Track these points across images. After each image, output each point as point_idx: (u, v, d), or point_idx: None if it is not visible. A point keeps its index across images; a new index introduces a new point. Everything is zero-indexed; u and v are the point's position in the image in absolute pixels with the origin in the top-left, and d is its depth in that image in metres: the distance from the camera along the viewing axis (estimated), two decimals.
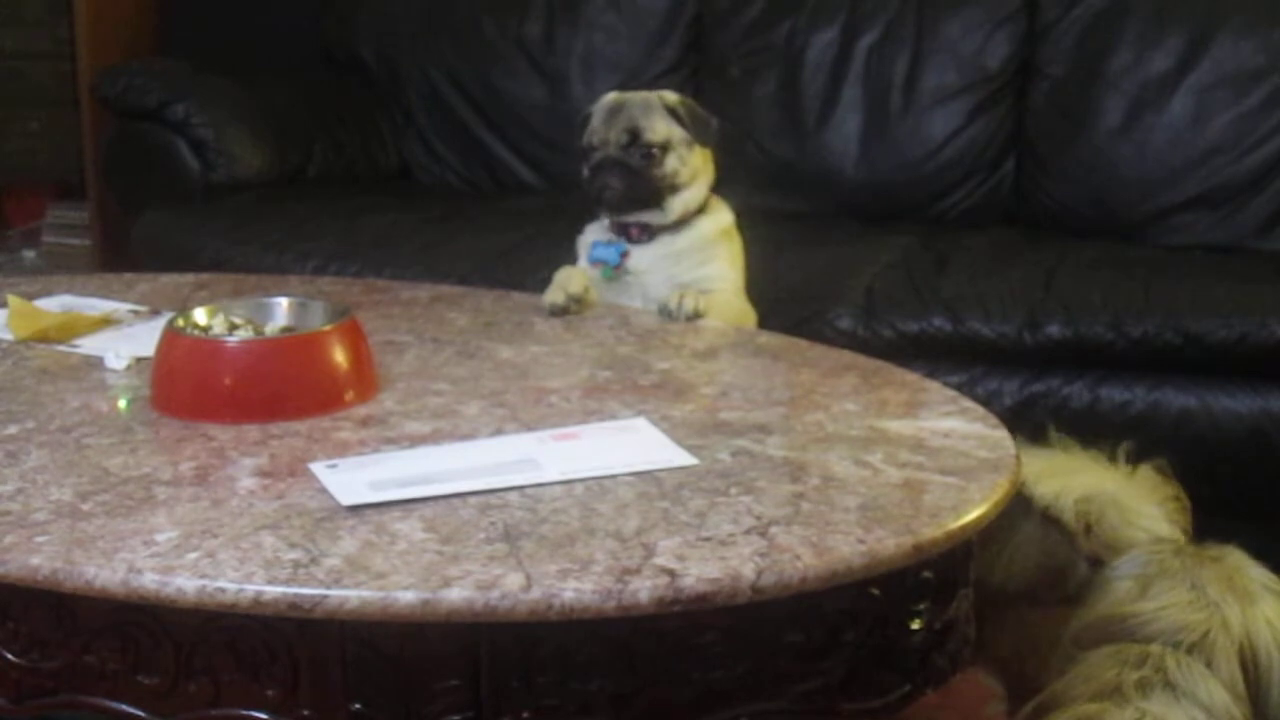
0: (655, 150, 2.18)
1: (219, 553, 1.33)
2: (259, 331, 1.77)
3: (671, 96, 2.24)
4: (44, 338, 2.00)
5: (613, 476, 1.50)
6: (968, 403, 1.75)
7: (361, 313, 1.85)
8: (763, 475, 1.51)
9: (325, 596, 1.26)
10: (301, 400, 1.69)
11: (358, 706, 1.32)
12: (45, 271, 3.75)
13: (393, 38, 3.72)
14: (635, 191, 2.19)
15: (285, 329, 1.79)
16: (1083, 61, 3.17)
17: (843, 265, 2.84)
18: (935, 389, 1.81)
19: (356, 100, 3.68)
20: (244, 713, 1.35)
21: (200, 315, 1.78)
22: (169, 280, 2.35)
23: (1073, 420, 2.49)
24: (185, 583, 1.29)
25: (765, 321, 2.30)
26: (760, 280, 2.33)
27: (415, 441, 1.62)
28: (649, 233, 2.22)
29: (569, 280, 2.17)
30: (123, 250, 3.39)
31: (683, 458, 1.55)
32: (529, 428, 1.65)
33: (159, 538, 1.36)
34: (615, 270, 2.22)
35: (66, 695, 1.40)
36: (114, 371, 1.87)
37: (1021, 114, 3.24)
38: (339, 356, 1.73)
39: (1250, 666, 1.60)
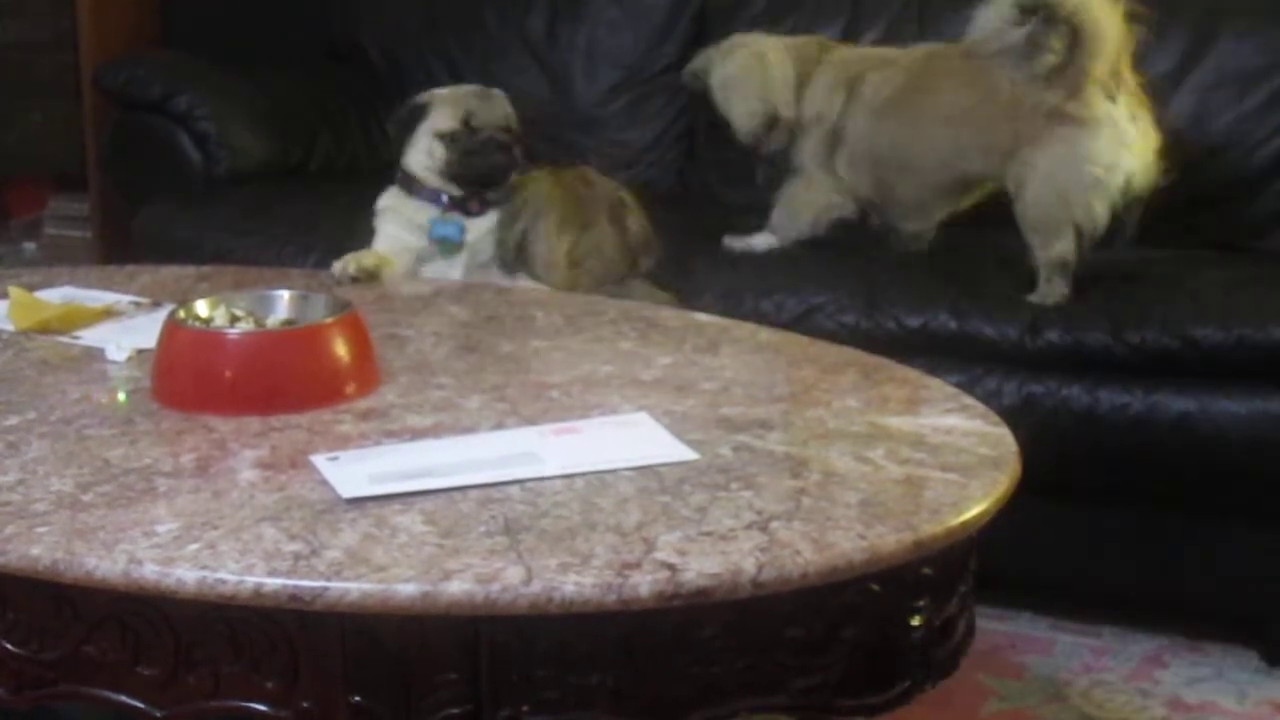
0: (519, 132, 2.47)
1: (219, 544, 1.33)
2: (260, 324, 1.77)
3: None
4: (45, 329, 2.00)
5: (613, 471, 1.50)
6: (968, 400, 1.75)
7: (363, 306, 1.85)
8: (763, 471, 1.51)
9: (326, 589, 1.26)
10: (302, 393, 1.69)
11: (357, 699, 1.32)
12: (45, 263, 3.74)
13: (395, 31, 3.71)
14: (512, 167, 2.46)
15: (287, 321, 1.79)
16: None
17: (845, 261, 2.84)
18: (936, 386, 1.81)
19: (359, 93, 3.67)
20: (244, 704, 1.35)
21: (202, 307, 1.78)
22: (170, 272, 2.35)
23: (1072, 422, 2.49)
24: (185, 574, 1.29)
25: (766, 316, 2.30)
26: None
27: (416, 435, 1.62)
28: (486, 205, 2.44)
29: (362, 255, 2.38)
30: (123, 242, 3.38)
31: (683, 453, 1.55)
32: (530, 422, 1.65)
33: (159, 529, 1.36)
34: (456, 246, 2.42)
35: (66, 686, 1.40)
36: (115, 363, 1.87)
37: None
38: (340, 349, 1.73)
39: None
